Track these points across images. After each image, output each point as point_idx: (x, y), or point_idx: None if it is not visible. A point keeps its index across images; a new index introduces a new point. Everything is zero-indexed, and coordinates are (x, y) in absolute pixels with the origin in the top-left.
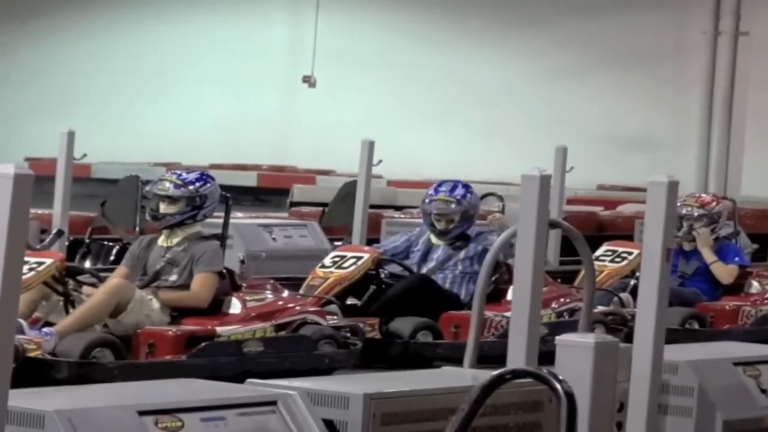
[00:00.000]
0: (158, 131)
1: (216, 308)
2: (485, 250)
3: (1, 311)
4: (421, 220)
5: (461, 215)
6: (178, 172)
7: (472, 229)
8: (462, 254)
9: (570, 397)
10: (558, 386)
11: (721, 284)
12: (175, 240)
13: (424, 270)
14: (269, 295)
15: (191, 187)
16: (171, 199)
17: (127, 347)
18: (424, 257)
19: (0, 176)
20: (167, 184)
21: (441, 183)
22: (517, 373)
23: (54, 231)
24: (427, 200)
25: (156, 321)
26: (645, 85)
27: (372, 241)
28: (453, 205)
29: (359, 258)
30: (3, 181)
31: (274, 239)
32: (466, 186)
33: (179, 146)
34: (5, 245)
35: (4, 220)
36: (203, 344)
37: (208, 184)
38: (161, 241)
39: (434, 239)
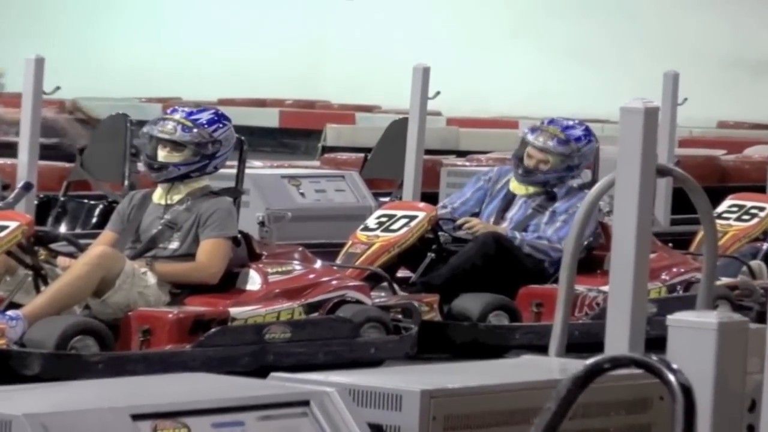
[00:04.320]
0: (151, 59)
1: (229, 283)
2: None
3: None
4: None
5: (561, 160)
6: (187, 109)
7: (563, 188)
8: (546, 216)
9: (687, 391)
10: (671, 378)
11: None
12: (177, 197)
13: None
14: (297, 267)
15: (204, 131)
16: (175, 145)
17: (115, 334)
18: (503, 212)
19: None
20: (172, 125)
21: (559, 118)
22: (618, 362)
23: (20, 185)
24: (530, 129)
25: (152, 300)
26: None
27: (428, 196)
28: (558, 145)
29: (412, 218)
30: None
31: (302, 194)
32: (589, 131)
33: (178, 77)
34: None
35: None
36: (213, 330)
37: (225, 128)
38: (157, 197)
39: (514, 187)
